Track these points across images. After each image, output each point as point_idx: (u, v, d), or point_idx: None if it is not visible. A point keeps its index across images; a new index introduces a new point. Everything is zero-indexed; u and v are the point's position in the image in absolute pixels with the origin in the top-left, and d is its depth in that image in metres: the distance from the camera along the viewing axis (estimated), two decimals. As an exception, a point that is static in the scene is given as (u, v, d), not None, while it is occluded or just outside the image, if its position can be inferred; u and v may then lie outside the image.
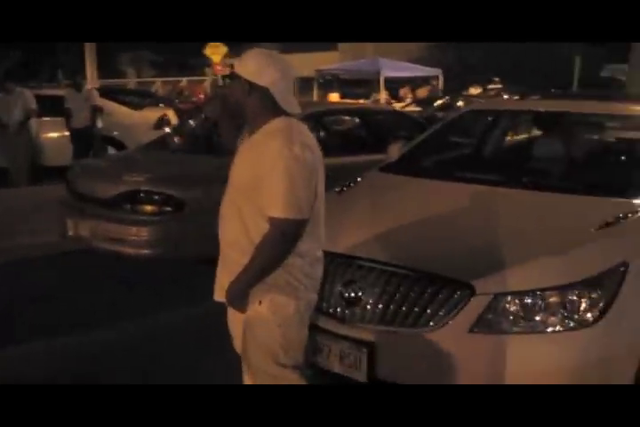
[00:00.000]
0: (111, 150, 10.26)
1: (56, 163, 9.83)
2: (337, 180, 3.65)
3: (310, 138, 2.44)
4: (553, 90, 15.81)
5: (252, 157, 2.40)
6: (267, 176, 2.31)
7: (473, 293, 2.78)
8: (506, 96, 9.16)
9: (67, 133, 9.79)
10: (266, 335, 2.44)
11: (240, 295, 2.46)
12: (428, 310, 2.82)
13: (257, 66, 2.39)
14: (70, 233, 5.61)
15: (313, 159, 2.37)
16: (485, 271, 2.84)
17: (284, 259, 2.39)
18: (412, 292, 2.86)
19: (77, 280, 5.36)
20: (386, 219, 3.43)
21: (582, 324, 2.76)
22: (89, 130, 9.59)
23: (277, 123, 2.42)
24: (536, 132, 4.93)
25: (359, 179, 4.13)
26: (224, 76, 2.84)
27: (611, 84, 21.63)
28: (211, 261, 5.13)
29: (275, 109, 2.43)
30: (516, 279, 2.82)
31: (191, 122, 6.94)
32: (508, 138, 5.18)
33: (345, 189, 3.94)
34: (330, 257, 2.78)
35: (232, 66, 2.43)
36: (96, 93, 10.00)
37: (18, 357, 3.93)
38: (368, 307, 2.92)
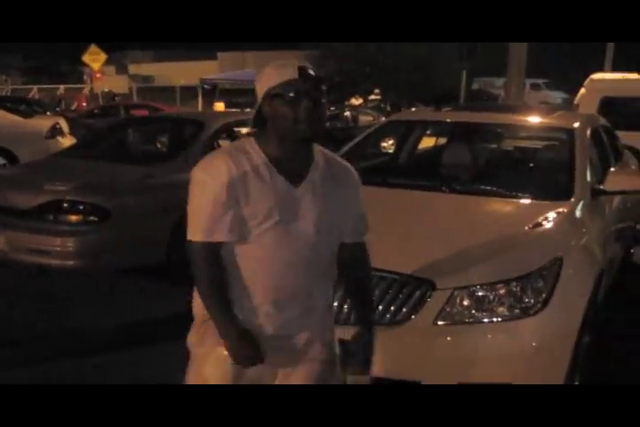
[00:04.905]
0: (0, 160, 9.84)
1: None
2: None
3: None
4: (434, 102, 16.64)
5: (334, 187, 2.12)
6: (357, 203, 2.21)
7: (434, 288, 3.02)
8: (419, 108, 9.57)
9: None
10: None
11: None
12: (392, 307, 3.03)
13: None
14: (-17, 245, 5.41)
15: None
16: (443, 269, 3.09)
17: None
18: (377, 290, 3.06)
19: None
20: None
21: (527, 313, 3.06)
22: None
23: (315, 146, 2.15)
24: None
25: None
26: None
27: (481, 97, 23.02)
28: (138, 270, 5.21)
29: None
30: (469, 275, 3.09)
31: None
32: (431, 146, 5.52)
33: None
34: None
35: (318, 78, 2.02)
36: None
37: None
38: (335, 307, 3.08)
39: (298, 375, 2.17)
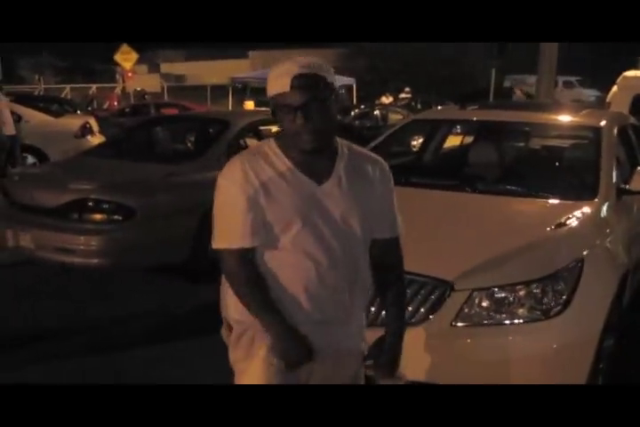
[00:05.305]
0: (31, 159, 10.00)
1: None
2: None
3: None
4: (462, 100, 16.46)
5: (359, 180, 2.04)
6: (386, 196, 2.12)
7: (452, 289, 2.99)
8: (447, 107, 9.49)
9: None
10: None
11: None
12: (410, 308, 3.00)
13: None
14: (10, 244, 5.49)
15: None
16: (462, 270, 3.05)
17: None
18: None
19: (21, 292, 5.24)
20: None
21: (547, 315, 3.01)
22: (15, 139, 9.43)
23: (341, 141, 2.09)
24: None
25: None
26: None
27: (513, 94, 22.74)
28: (161, 269, 5.26)
29: None
30: (489, 276, 3.04)
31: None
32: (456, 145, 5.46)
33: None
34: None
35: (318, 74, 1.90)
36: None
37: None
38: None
39: (334, 375, 2.13)
